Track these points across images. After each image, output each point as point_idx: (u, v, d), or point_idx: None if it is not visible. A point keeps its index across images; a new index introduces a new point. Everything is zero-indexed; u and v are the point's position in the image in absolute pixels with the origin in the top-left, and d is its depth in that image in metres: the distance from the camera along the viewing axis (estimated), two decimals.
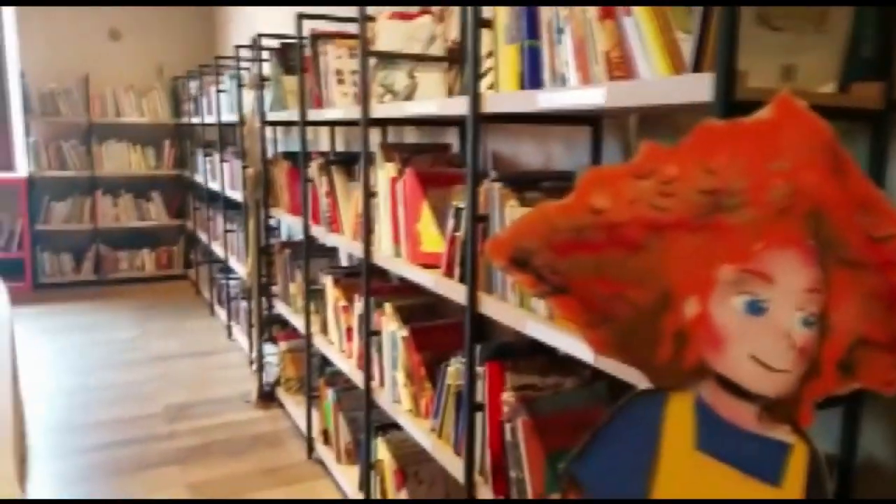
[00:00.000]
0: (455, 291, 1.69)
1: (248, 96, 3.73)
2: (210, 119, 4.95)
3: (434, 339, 2.15)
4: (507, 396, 1.58)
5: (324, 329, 2.83)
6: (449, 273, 1.79)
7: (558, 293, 0.99)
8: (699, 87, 0.97)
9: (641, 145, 0.91)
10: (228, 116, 4.39)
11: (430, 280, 1.81)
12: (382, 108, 2.05)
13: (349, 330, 2.61)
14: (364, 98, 2.12)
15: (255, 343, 3.69)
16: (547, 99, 1.31)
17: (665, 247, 0.92)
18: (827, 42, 1.13)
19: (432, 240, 2.01)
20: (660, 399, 0.95)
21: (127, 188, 6.27)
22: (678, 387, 0.94)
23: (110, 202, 6.15)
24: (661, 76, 1.10)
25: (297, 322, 3.15)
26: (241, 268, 4.26)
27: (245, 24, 5.49)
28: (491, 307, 1.55)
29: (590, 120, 1.70)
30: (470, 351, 1.62)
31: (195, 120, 5.51)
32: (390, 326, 2.17)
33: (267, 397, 3.55)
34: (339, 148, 3.57)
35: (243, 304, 4.38)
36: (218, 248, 4.98)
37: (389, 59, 2.17)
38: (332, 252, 3.41)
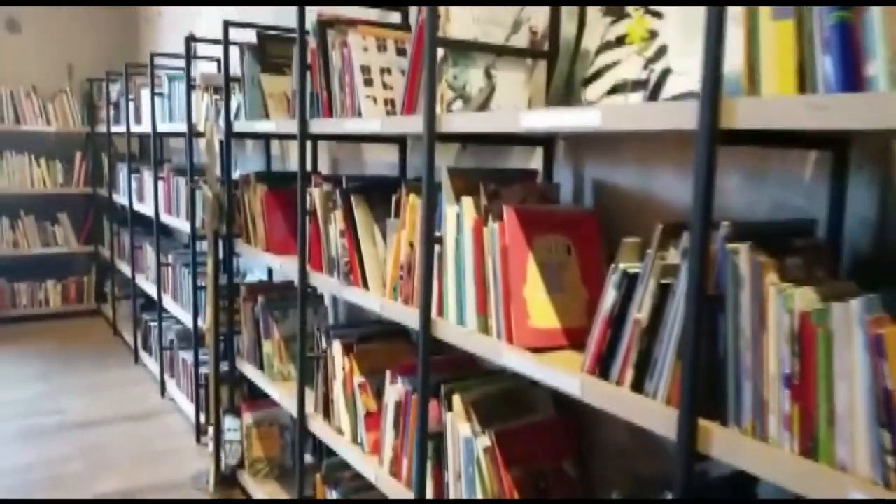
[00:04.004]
0: (639, 410, 1.07)
1: (202, 101, 2.99)
2: (138, 129, 4.13)
3: (525, 445, 1.52)
4: None
5: (325, 410, 2.14)
6: (599, 371, 1.17)
7: None
8: None
9: None
10: (167, 125, 3.61)
11: (572, 384, 1.18)
12: (470, 120, 1.41)
13: (371, 416, 1.94)
14: (430, 103, 1.48)
15: (210, 412, 2.93)
16: None
17: None
18: None
19: (543, 311, 1.39)
20: None
21: (28, 209, 5.29)
22: None
23: (7, 225, 5.15)
24: None
25: (274, 391, 2.44)
26: (183, 312, 3.47)
27: (180, 17, 4.70)
28: (738, 450, 0.94)
29: (827, 141, 1.13)
30: None
31: (116, 129, 4.65)
32: (462, 429, 1.53)
33: (227, 482, 2.79)
34: (323, 169, 2.89)
35: (183, 354, 3.59)
36: (146, 284, 4.15)
37: (463, 51, 1.54)
38: (312, 299, 2.71)
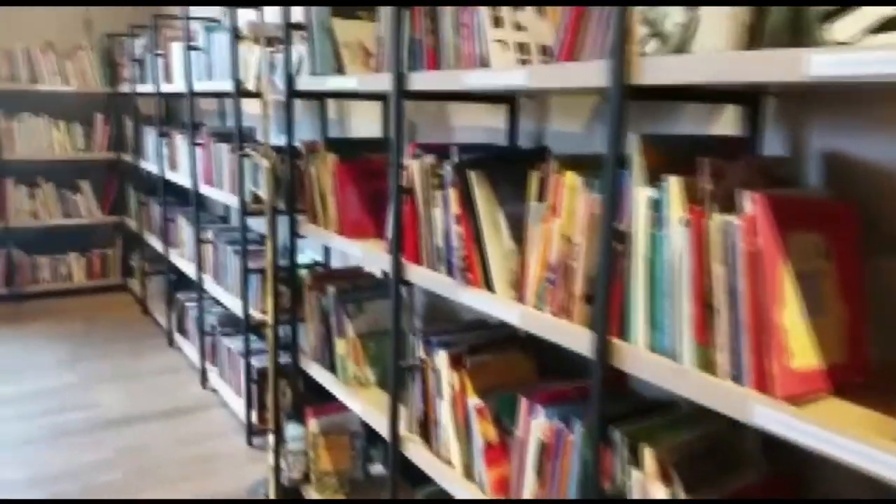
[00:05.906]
0: None
1: (252, 55, 2.56)
2: (169, 88, 3.70)
3: None
4: None
5: (424, 433, 1.75)
6: None
7: None
8: None
9: None
10: (204, 84, 3.18)
11: None
12: (699, 66, 0.98)
13: (493, 449, 1.54)
14: (621, 43, 1.05)
15: (268, 418, 2.56)
16: None
17: None
18: None
19: (804, 344, 0.97)
20: None
21: (47, 176, 4.90)
22: None
23: (25, 194, 4.77)
24: None
25: (353, 401, 2.05)
26: (227, 296, 3.09)
27: None
28: None
29: None
30: None
31: (142, 89, 4.22)
32: (656, 494, 1.13)
33: (289, 494, 2.43)
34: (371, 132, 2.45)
35: (226, 341, 3.22)
36: (181, 261, 3.76)
37: None
38: (372, 288, 2.30)
